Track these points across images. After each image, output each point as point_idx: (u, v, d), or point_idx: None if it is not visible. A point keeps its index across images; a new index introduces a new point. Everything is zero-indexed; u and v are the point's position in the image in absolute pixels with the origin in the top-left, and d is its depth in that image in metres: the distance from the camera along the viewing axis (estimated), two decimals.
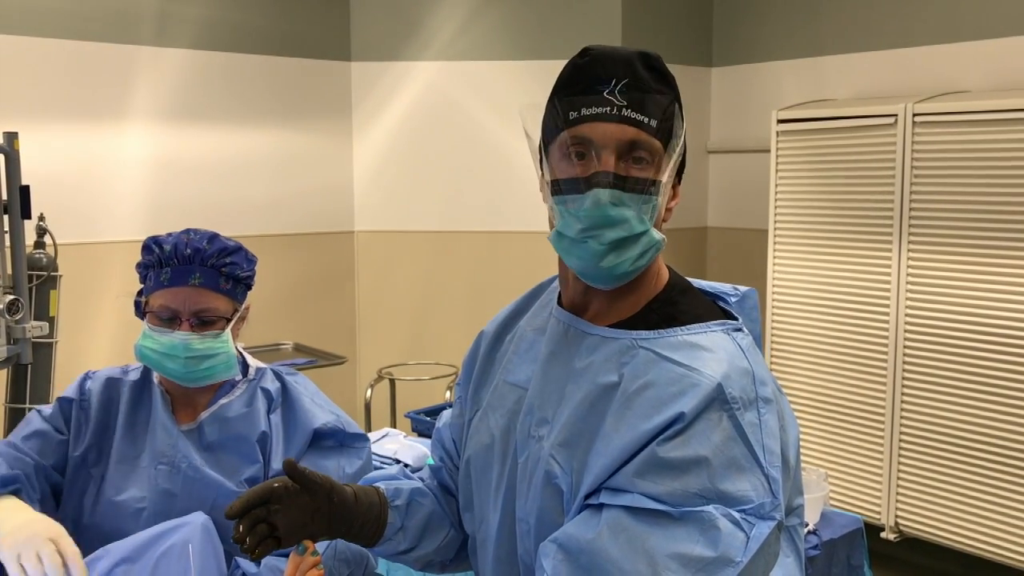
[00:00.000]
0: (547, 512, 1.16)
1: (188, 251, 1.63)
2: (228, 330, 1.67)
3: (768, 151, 4.07)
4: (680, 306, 1.19)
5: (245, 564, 1.58)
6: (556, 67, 1.22)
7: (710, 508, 1.02)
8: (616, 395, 1.12)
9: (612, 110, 1.12)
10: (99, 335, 3.79)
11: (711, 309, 1.21)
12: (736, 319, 1.20)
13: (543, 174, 1.19)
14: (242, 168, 4.27)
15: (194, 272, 1.63)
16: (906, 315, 3.61)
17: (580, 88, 1.14)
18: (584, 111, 1.13)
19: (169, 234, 1.68)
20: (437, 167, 4.57)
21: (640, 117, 1.12)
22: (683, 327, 1.15)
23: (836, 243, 3.83)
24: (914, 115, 3.53)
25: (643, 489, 1.04)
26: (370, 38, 4.57)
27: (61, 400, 1.74)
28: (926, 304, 3.55)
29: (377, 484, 1.38)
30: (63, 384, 1.93)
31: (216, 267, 1.65)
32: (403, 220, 4.63)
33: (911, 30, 4.01)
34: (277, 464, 1.66)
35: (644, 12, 4.47)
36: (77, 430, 1.71)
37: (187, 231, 1.68)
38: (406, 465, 2.71)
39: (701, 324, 1.15)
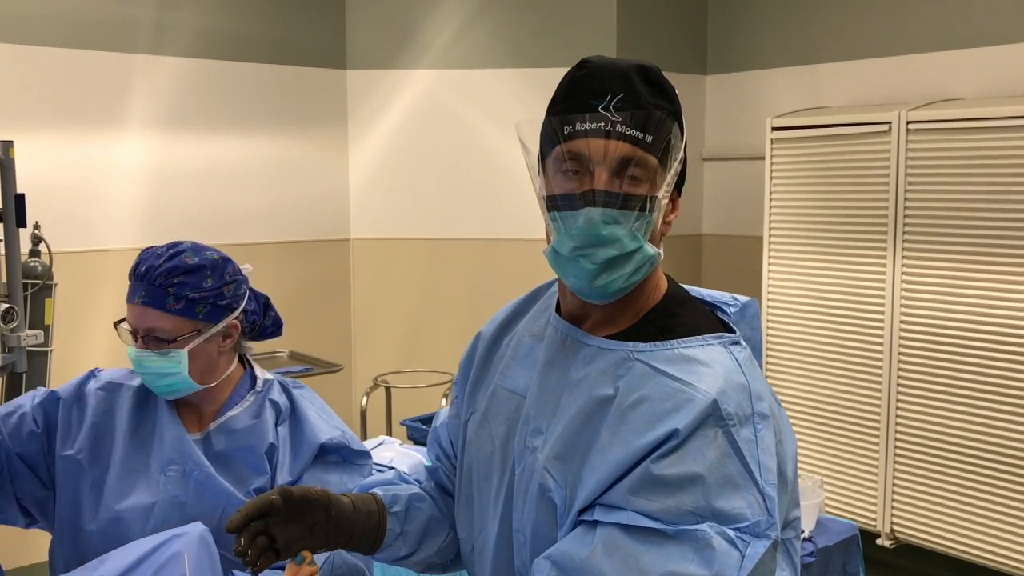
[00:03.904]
0: (542, 525, 1.16)
1: (143, 268, 1.62)
2: (182, 350, 1.62)
3: (763, 158, 4.08)
4: (678, 318, 1.19)
5: None
6: (551, 75, 1.21)
7: (704, 526, 1.02)
8: (611, 409, 1.11)
9: (606, 125, 1.10)
10: (94, 343, 3.79)
11: (709, 321, 1.20)
12: (734, 331, 1.20)
13: (539, 188, 1.18)
14: (238, 176, 4.27)
15: (139, 291, 1.61)
16: (901, 322, 3.62)
17: (576, 102, 1.13)
18: (579, 126, 1.11)
19: (161, 246, 1.67)
20: (433, 174, 4.57)
21: (635, 133, 1.10)
22: (680, 340, 1.14)
23: (830, 250, 3.84)
24: (908, 123, 3.54)
25: (637, 506, 1.04)
26: (366, 46, 4.57)
27: (51, 396, 1.71)
28: (920, 311, 3.56)
29: (374, 491, 1.37)
30: None
31: (162, 287, 1.60)
32: (399, 227, 4.63)
33: (904, 38, 4.02)
34: (283, 476, 1.66)
35: (639, 20, 4.48)
36: (66, 429, 1.69)
37: (171, 244, 1.66)
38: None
39: (698, 337, 1.15)
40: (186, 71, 4.07)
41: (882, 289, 3.67)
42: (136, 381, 1.74)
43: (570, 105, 1.14)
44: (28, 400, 1.72)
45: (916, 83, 3.98)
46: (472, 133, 4.49)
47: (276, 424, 1.70)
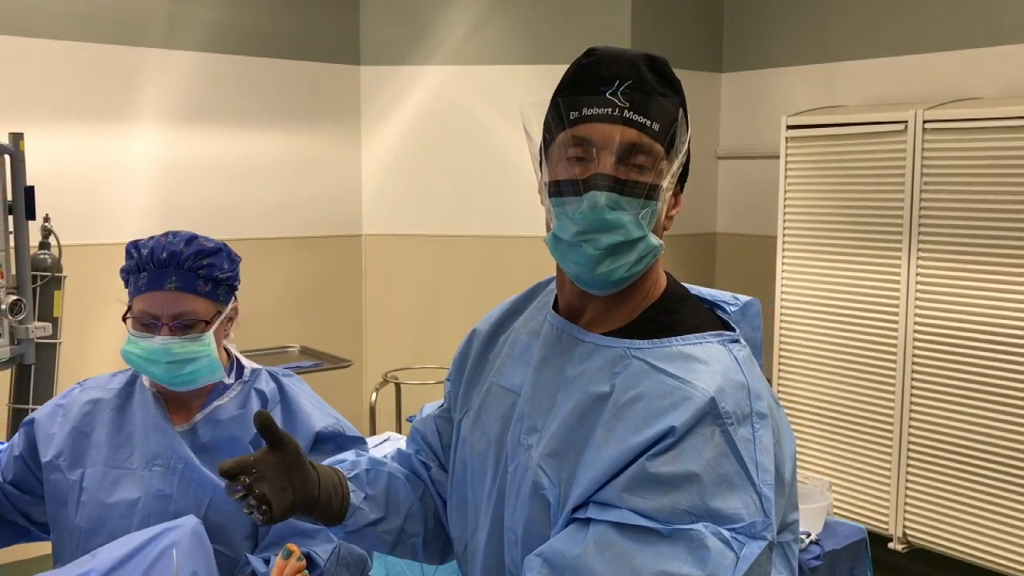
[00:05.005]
0: (534, 524, 1.14)
1: (164, 255, 1.61)
2: (210, 332, 1.64)
3: (777, 157, 4.04)
4: (676, 315, 1.17)
5: (255, 562, 1.58)
6: (565, 72, 1.19)
7: (699, 526, 1.00)
8: (607, 406, 1.09)
9: (614, 111, 1.09)
10: (103, 337, 3.79)
11: (708, 319, 1.18)
12: (734, 330, 1.18)
13: (542, 175, 1.17)
14: (250, 171, 4.27)
15: (170, 276, 1.60)
16: (915, 323, 3.57)
17: (582, 88, 1.12)
18: (585, 111, 1.10)
19: (151, 237, 1.66)
20: (445, 171, 4.56)
21: (642, 120, 1.09)
22: (678, 337, 1.12)
23: (845, 250, 3.80)
24: (924, 122, 3.49)
25: (631, 505, 1.02)
26: (379, 42, 4.56)
27: (29, 419, 1.76)
28: (935, 312, 3.52)
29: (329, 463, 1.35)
30: (66, 385, 1.93)
31: (193, 270, 1.62)
32: (411, 224, 4.62)
33: (921, 37, 3.97)
34: None
35: (654, 17, 4.45)
36: (46, 439, 1.70)
37: (167, 234, 1.66)
38: None
39: (696, 335, 1.13)
40: (199, 65, 4.07)
41: (897, 290, 3.63)
42: (117, 384, 1.74)
43: (577, 91, 1.12)
44: (18, 431, 1.78)
45: (933, 82, 3.93)
46: (485, 130, 4.47)
47: None
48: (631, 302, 1.18)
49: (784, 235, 4.03)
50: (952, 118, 3.42)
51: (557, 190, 1.11)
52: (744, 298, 1.28)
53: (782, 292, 4.04)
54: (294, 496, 1.22)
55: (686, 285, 1.27)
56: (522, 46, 4.43)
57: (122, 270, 1.67)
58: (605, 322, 1.18)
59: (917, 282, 3.56)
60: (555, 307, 1.25)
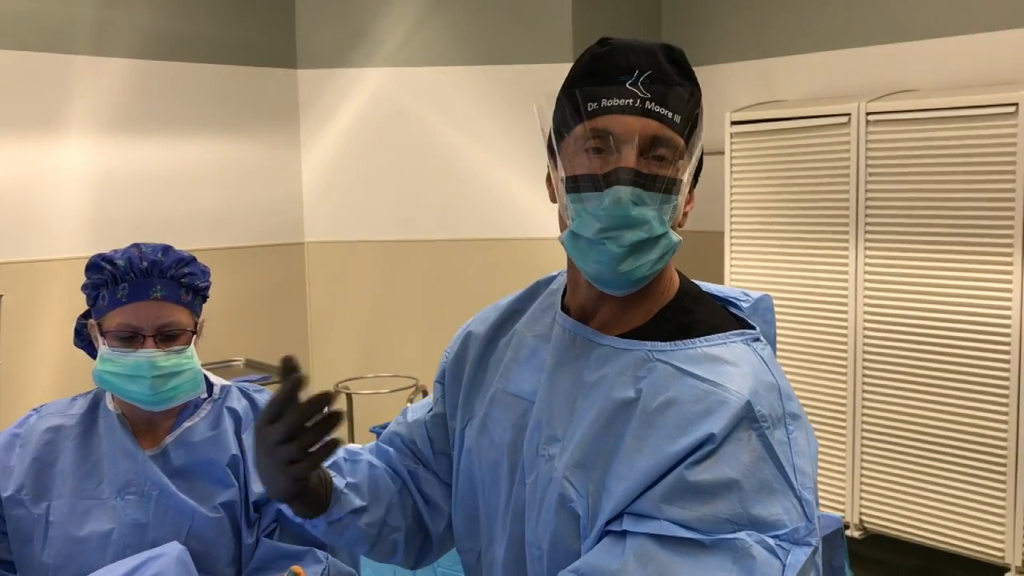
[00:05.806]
0: (562, 537, 1.09)
1: (145, 264, 1.54)
2: (192, 345, 1.58)
3: (722, 153, 4.07)
4: (694, 315, 1.13)
5: None
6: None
7: (743, 535, 0.96)
8: (635, 412, 1.05)
9: (635, 102, 1.05)
10: (43, 359, 3.62)
11: (726, 317, 1.15)
12: (752, 327, 1.15)
13: (556, 169, 1.11)
14: (188, 180, 4.13)
15: (154, 285, 1.54)
16: (864, 313, 3.62)
17: (600, 78, 1.07)
18: (605, 102, 1.06)
19: (115, 251, 1.58)
20: (388, 175, 4.48)
21: (664, 111, 1.05)
22: (701, 338, 1.09)
23: (793, 243, 3.84)
24: (867, 114, 3.54)
25: (670, 515, 0.98)
26: (316, 45, 4.47)
27: None
28: (884, 301, 3.57)
29: None
30: (6, 409, 1.82)
31: (176, 278, 1.57)
32: (355, 230, 4.53)
33: (856, 31, 4.04)
34: (256, 487, 1.59)
35: (593, 15, 4.44)
36: (4, 472, 1.59)
37: (136, 245, 1.59)
38: None
39: (719, 335, 1.09)
40: (130, 72, 3.93)
41: (845, 281, 3.68)
42: (78, 409, 1.64)
43: (594, 81, 1.08)
44: None
45: (869, 75, 4.00)
46: (428, 132, 4.41)
47: (238, 433, 1.63)
48: (647, 302, 1.14)
49: (731, 230, 4.05)
50: (895, 109, 3.48)
51: (575, 185, 1.07)
52: (755, 294, 1.25)
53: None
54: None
55: (696, 282, 1.24)
56: (462, 47, 4.38)
57: (87, 286, 1.57)
58: (620, 323, 1.14)
59: (865, 272, 3.61)
60: (563, 308, 1.21)
